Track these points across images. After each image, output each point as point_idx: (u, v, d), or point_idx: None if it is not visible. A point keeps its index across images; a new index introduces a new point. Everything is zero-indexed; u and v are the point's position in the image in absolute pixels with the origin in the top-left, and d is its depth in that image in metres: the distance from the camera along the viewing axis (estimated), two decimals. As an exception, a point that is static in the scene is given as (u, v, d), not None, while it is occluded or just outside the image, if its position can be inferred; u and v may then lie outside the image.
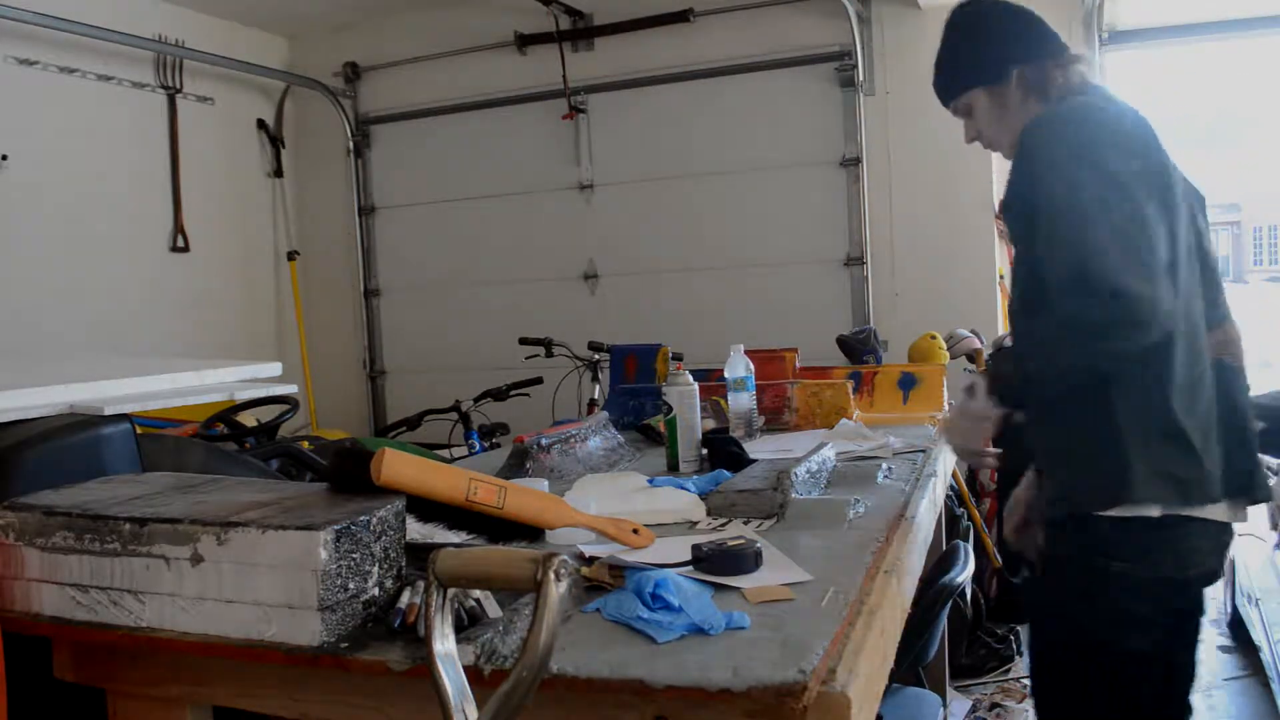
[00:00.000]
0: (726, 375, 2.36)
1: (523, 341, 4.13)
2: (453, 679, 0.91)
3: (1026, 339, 1.59)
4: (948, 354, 3.54)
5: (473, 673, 0.97)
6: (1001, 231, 4.28)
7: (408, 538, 1.21)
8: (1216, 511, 1.49)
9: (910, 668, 2.16)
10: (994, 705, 3.16)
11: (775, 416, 2.59)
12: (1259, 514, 2.90)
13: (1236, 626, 3.51)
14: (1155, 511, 1.46)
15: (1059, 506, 1.55)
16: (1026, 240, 1.55)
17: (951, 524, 3.29)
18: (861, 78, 4.38)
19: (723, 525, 1.58)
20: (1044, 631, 1.67)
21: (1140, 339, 1.38)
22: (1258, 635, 3.00)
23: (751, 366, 2.37)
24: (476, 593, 1.10)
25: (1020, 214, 1.55)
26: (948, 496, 3.06)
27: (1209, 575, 1.55)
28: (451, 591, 0.94)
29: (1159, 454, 1.46)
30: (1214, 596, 4.01)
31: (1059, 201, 1.45)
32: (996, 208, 4.32)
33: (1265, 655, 2.89)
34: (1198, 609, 1.61)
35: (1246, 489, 1.53)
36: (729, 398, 2.37)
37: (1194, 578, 1.53)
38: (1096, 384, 1.46)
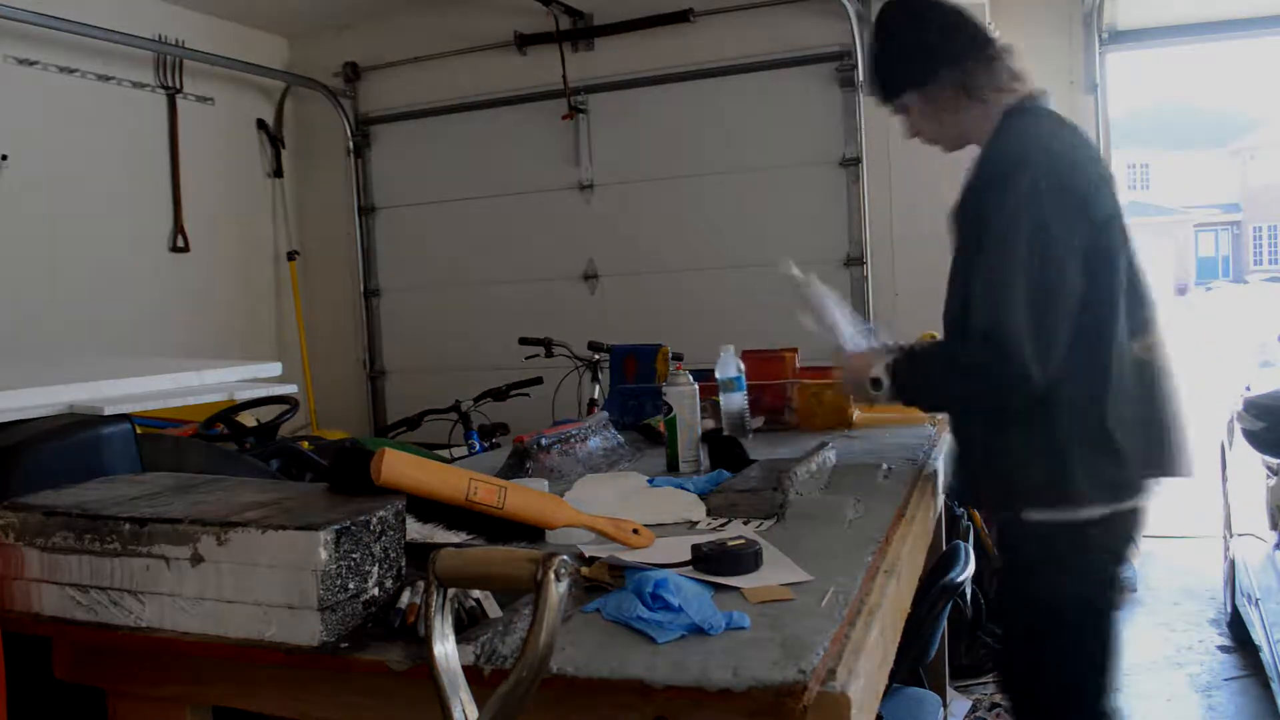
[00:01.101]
0: (717, 375, 2.35)
1: (523, 341, 4.13)
2: (453, 679, 0.91)
3: (944, 366, 1.77)
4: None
5: (473, 673, 0.97)
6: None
7: (408, 538, 1.21)
8: (1140, 500, 1.75)
9: (910, 668, 2.16)
10: (994, 705, 3.17)
11: (775, 416, 2.59)
12: (1260, 514, 2.89)
13: (1236, 626, 3.51)
14: (1096, 513, 1.68)
15: (1006, 507, 1.78)
16: (971, 253, 1.71)
17: (951, 524, 3.29)
18: (861, 78, 4.38)
19: (723, 525, 1.58)
20: (1026, 605, 1.81)
21: (1016, 401, 1.66)
22: (1258, 635, 2.99)
23: (742, 366, 2.36)
24: (476, 593, 1.10)
25: (972, 229, 1.73)
26: (948, 496, 3.05)
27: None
28: (451, 591, 0.94)
29: (1093, 463, 1.67)
30: (1214, 597, 4.01)
31: (996, 249, 1.63)
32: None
33: (1265, 655, 2.89)
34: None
35: (1163, 467, 1.75)
36: (720, 398, 2.36)
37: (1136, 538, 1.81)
38: (1040, 399, 1.65)
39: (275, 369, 1.99)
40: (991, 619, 3.58)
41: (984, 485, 1.85)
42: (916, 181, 4.38)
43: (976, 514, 3.51)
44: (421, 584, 1.10)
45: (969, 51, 1.79)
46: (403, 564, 1.18)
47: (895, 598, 1.30)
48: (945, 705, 2.62)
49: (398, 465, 1.20)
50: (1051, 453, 1.68)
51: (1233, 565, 3.47)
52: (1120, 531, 1.75)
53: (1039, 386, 1.62)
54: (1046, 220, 1.61)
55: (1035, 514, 1.73)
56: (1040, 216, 1.61)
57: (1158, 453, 1.75)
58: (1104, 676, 1.80)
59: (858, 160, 4.45)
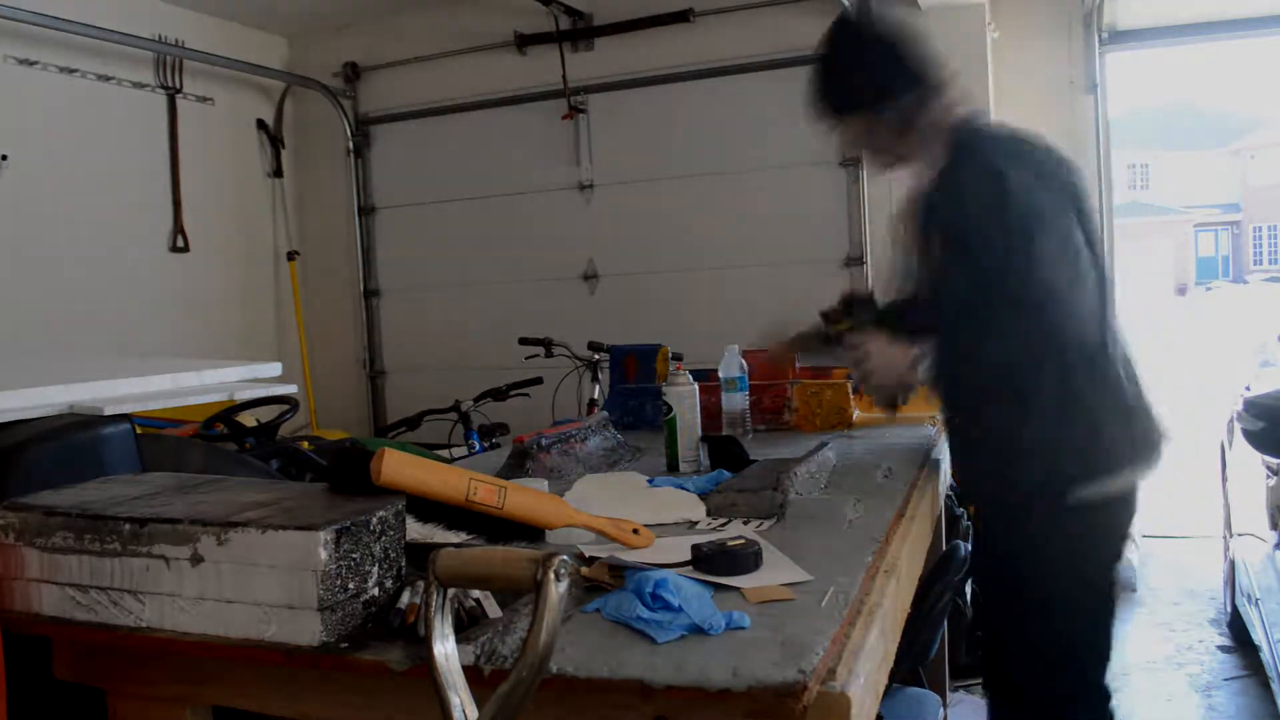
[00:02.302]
0: (720, 375, 2.35)
1: (523, 341, 4.13)
2: (452, 679, 0.91)
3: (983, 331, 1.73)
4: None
5: (473, 673, 0.97)
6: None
7: (408, 538, 1.21)
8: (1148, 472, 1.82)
9: (910, 668, 2.16)
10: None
11: (775, 416, 2.59)
12: (1259, 514, 2.89)
13: (1236, 626, 3.51)
14: (1122, 485, 1.76)
15: (1041, 490, 1.75)
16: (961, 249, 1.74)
17: (951, 524, 3.29)
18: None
19: (723, 525, 1.58)
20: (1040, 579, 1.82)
21: (1070, 360, 1.70)
22: (1258, 635, 2.99)
23: (746, 367, 2.37)
24: (476, 593, 1.10)
25: (958, 227, 1.74)
26: (948, 496, 3.05)
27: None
28: (451, 591, 0.94)
29: (1120, 432, 1.76)
30: (1214, 597, 4.01)
31: (1005, 230, 1.67)
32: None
33: (1265, 655, 2.89)
34: None
35: (1155, 450, 1.84)
36: (722, 398, 2.36)
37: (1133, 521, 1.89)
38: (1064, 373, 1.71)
39: (275, 369, 1.99)
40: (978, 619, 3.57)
41: (1014, 473, 1.79)
42: (916, 181, 4.38)
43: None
44: (421, 584, 1.10)
45: (917, 84, 1.85)
46: (403, 564, 1.18)
47: (895, 598, 1.30)
48: (945, 705, 2.62)
49: (398, 465, 1.20)
50: (1087, 427, 1.73)
51: (1233, 565, 3.47)
52: (1127, 511, 1.83)
53: (1093, 347, 1.69)
54: (1051, 211, 1.69)
55: (1075, 491, 1.74)
56: (1043, 205, 1.69)
57: (1151, 434, 1.83)
58: (1105, 657, 1.87)
59: (858, 160, 4.45)
